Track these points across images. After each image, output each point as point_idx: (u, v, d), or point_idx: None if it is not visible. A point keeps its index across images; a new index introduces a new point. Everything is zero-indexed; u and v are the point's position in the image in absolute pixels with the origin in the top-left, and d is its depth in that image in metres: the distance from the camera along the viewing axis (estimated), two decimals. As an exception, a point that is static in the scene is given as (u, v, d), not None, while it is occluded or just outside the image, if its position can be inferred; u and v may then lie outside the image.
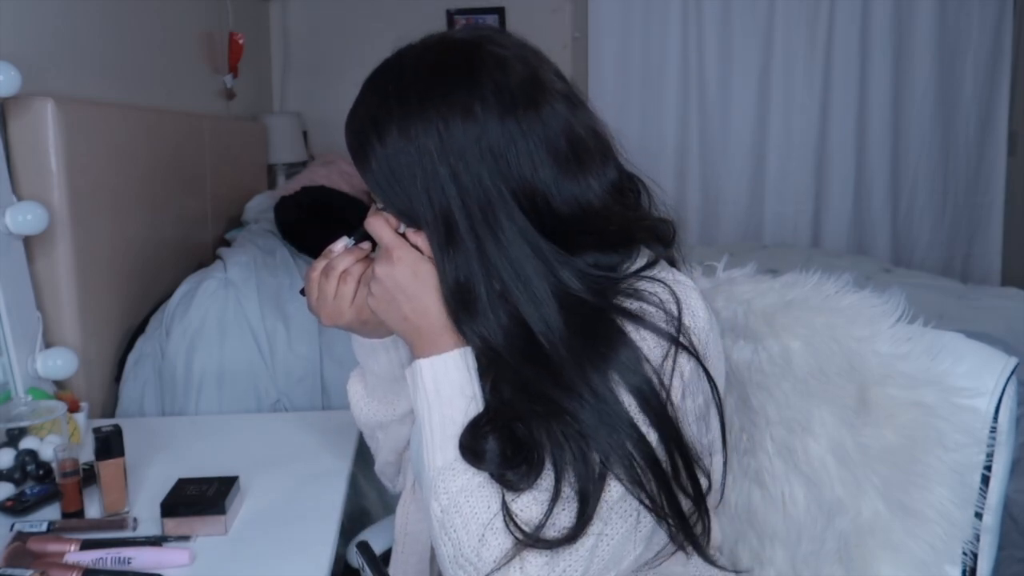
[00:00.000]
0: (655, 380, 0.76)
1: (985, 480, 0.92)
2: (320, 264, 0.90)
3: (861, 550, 0.94)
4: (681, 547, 0.78)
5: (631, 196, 0.86)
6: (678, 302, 0.79)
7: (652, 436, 0.75)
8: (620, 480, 0.73)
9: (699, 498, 0.78)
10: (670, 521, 0.75)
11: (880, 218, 3.62)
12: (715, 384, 0.80)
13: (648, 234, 0.84)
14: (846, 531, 0.95)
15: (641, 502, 0.74)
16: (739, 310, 1.04)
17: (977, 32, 3.51)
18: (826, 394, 0.97)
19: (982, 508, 0.92)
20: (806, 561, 0.97)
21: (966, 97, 3.57)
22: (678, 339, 0.77)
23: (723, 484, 0.85)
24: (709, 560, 0.83)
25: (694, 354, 0.78)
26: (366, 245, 0.90)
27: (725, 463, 0.85)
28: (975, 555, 0.92)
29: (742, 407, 1.02)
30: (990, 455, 0.91)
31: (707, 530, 0.80)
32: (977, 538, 0.92)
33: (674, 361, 0.77)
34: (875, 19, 3.50)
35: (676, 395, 0.77)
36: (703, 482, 0.80)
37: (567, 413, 0.74)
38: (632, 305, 0.78)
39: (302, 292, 0.93)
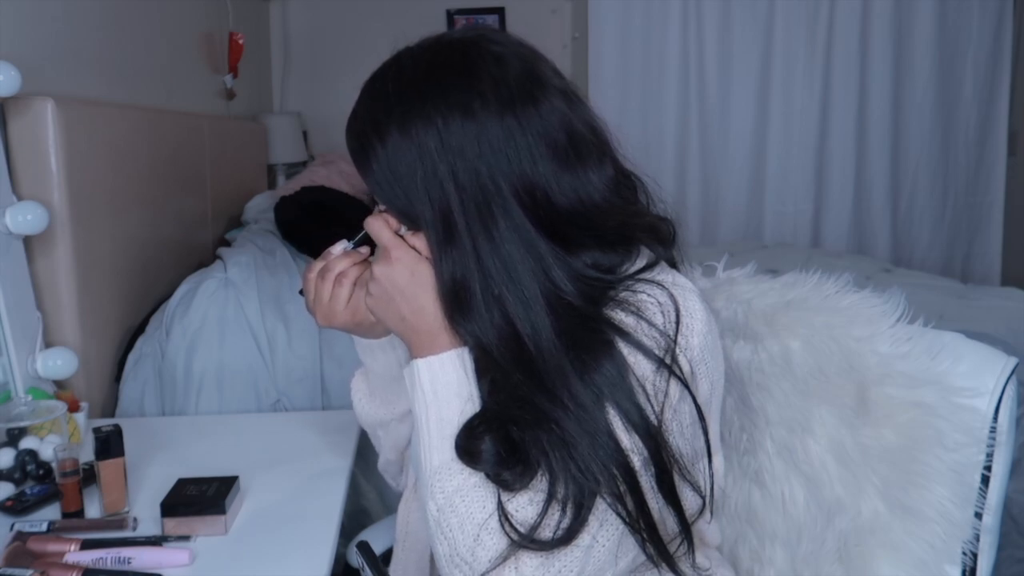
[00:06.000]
0: (640, 394, 0.75)
1: (985, 480, 0.92)
2: (317, 266, 0.91)
3: (861, 550, 0.94)
4: (653, 561, 0.77)
5: (629, 193, 0.86)
6: (676, 307, 0.78)
7: (633, 450, 0.74)
8: (599, 493, 0.73)
9: (679, 514, 0.77)
10: (644, 535, 0.75)
11: (880, 218, 3.62)
12: (700, 408, 0.79)
13: (648, 233, 0.84)
14: (846, 531, 0.95)
15: (618, 514, 0.74)
16: (739, 310, 1.04)
17: (977, 32, 3.51)
18: (826, 394, 0.97)
19: (982, 508, 0.92)
20: (806, 561, 0.97)
21: (966, 97, 3.56)
22: (669, 365, 0.76)
23: (711, 498, 0.84)
24: None
25: (681, 379, 0.77)
26: (364, 249, 0.91)
27: (712, 479, 0.84)
28: (975, 555, 0.92)
29: (742, 407, 1.02)
30: (990, 455, 0.91)
31: (691, 548, 0.79)
32: (977, 538, 0.92)
33: (666, 381, 0.76)
34: (875, 19, 3.50)
35: (664, 411, 0.76)
36: (695, 499, 0.79)
37: (552, 421, 0.74)
38: (626, 318, 0.78)
39: (301, 292, 0.94)
